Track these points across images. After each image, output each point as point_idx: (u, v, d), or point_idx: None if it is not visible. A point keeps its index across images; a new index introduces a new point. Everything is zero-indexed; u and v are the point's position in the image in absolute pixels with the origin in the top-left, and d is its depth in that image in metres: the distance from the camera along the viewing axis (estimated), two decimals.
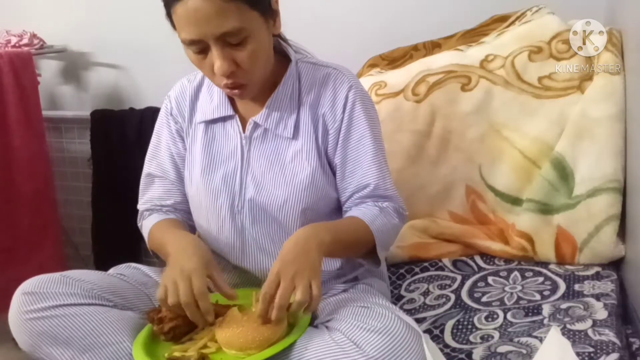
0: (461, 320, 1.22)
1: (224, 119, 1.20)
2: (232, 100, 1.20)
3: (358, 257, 1.20)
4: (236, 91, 1.10)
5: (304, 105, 1.16)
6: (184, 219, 1.26)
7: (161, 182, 1.26)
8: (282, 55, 1.20)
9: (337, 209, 1.21)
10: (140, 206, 1.29)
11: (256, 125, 1.17)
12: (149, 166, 1.28)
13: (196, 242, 1.09)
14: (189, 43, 1.04)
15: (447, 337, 1.18)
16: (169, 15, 1.06)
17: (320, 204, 1.16)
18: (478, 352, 1.09)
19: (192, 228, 1.27)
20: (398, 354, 0.92)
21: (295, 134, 1.16)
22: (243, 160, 1.17)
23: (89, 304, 1.08)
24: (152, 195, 1.27)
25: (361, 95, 1.17)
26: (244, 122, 1.19)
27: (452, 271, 1.43)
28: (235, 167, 1.17)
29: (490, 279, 1.36)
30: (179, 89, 1.26)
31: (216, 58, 1.03)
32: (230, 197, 1.17)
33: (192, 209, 1.25)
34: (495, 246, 1.45)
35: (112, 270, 1.23)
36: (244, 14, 1.02)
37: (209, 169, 1.19)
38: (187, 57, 1.10)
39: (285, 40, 1.22)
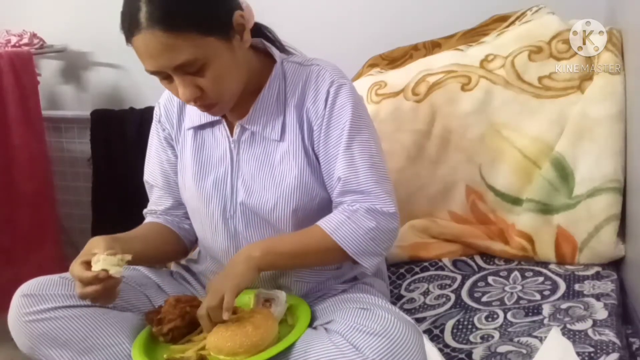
0: (461, 320, 1.22)
1: (211, 124, 1.19)
2: None
3: (332, 264, 1.19)
4: (207, 111, 1.10)
5: (290, 106, 1.14)
6: (175, 222, 1.27)
7: (155, 189, 1.28)
8: (267, 56, 1.18)
9: (330, 208, 1.17)
10: (144, 210, 1.31)
11: (243, 129, 1.16)
12: (144, 173, 1.30)
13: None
14: (151, 73, 1.04)
15: (447, 337, 1.18)
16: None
17: (312, 204, 1.14)
18: (478, 352, 1.09)
19: (185, 231, 1.28)
20: (398, 356, 0.92)
21: (282, 136, 1.14)
22: (233, 164, 1.17)
23: (88, 306, 1.08)
24: (151, 201, 1.30)
25: (344, 89, 1.13)
26: (231, 126, 1.18)
27: (452, 271, 1.43)
28: (226, 171, 1.17)
29: (490, 279, 1.36)
30: (167, 96, 1.26)
31: (178, 86, 1.03)
32: (222, 202, 1.17)
33: (189, 214, 1.26)
34: (495, 246, 1.45)
35: None
36: (197, 43, 0.99)
37: (199, 175, 1.19)
38: None
39: (272, 41, 1.21)
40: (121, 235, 1.16)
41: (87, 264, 1.02)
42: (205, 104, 1.08)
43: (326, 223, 1.09)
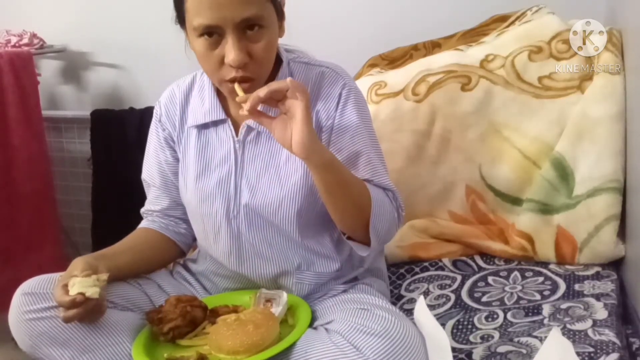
0: (461, 320, 1.22)
1: (215, 124, 1.19)
2: (224, 104, 1.18)
3: (350, 224, 1.12)
4: (245, 85, 1.06)
5: None
6: (171, 227, 1.27)
7: (152, 189, 1.28)
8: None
9: None
10: (141, 210, 1.31)
11: (249, 129, 1.16)
12: (142, 172, 1.29)
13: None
14: (204, 30, 1.03)
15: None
16: (180, 1, 1.05)
17: (317, 205, 1.14)
18: (478, 352, 1.09)
19: (181, 235, 1.28)
20: (398, 356, 0.92)
21: None
22: (237, 164, 1.16)
23: None
24: (148, 199, 1.30)
25: (354, 93, 1.15)
26: (236, 126, 1.18)
27: (452, 271, 1.43)
28: (229, 171, 1.17)
29: (490, 279, 1.36)
30: (169, 95, 1.25)
31: (231, 48, 1.02)
32: (225, 203, 1.16)
33: (189, 216, 1.25)
34: (496, 246, 1.45)
35: None
36: (264, 4, 1.03)
37: (203, 175, 1.18)
38: (194, 49, 1.08)
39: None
40: (107, 251, 1.17)
41: (67, 288, 1.01)
42: (245, 77, 1.06)
43: (369, 186, 1.09)
